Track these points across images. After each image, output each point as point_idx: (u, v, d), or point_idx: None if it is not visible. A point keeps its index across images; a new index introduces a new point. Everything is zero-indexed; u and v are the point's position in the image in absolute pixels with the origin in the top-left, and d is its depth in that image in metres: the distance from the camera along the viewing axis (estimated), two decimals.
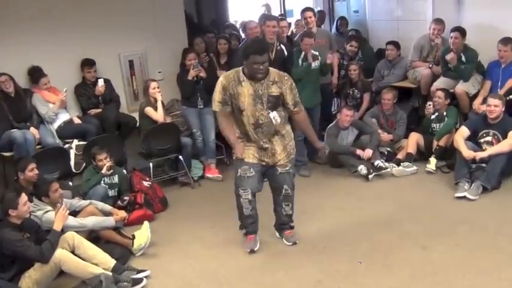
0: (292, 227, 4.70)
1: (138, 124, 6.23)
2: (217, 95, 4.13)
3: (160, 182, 6.08)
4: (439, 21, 6.83)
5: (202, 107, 6.40)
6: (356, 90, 7.07)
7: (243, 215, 4.52)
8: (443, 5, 7.13)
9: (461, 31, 6.40)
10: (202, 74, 6.30)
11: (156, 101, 6.10)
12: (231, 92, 4.07)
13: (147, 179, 5.79)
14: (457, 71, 6.41)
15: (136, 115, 6.30)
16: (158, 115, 6.05)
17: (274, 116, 4.16)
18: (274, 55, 5.92)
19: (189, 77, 6.26)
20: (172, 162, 6.43)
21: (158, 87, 6.10)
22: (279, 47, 6.05)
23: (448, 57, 6.40)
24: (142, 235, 4.74)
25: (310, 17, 6.80)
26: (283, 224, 4.68)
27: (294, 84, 4.22)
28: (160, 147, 6.03)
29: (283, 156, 4.32)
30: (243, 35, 7.80)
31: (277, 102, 4.15)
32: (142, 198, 5.50)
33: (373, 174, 5.95)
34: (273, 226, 4.77)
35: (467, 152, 5.47)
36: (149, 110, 6.04)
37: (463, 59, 6.41)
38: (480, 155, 5.46)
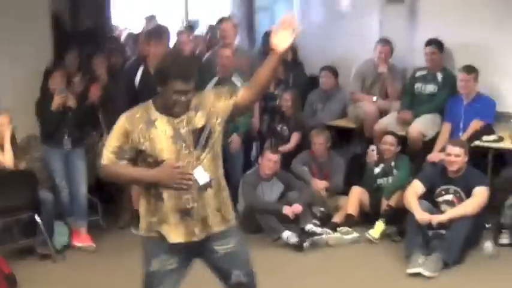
0: None
1: None
2: (112, 142, 3.62)
3: (7, 253, 5.84)
4: (385, 42, 7.12)
5: (69, 147, 6.29)
6: (285, 127, 7.16)
7: None
8: (392, 21, 7.45)
9: (438, 45, 6.73)
10: (71, 103, 6.19)
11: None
12: (138, 140, 3.58)
13: None
14: (422, 97, 6.78)
15: None
16: (6, 158, 5.84)
17: (199, 172, 3.60)
18: None
19: (53, 106, 6.12)
20: (25, 225, 6.22)
21: (9, 123, 5.92)
22: None
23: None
24: None
25: (229, 29, 6.92)
26: None
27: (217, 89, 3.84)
28: (7, 203, 5.84)
29: (217, 221, 3.69)
30: (128, 51, 7.77)
31: (207, 136, 3.65)
32: None
33: (308, 241, 5.97)
34: None
35: (421, 215, 5.60)
36: None
37: (440, 79, 6.73)
38: (438, 218, 5.62)
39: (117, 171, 3.63)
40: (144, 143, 3.56)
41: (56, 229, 6.18)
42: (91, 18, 9.69)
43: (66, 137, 6.24)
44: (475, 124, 6.36)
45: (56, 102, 6.10)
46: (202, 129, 3.61)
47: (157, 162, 3.57)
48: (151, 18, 9.61)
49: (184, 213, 3.60)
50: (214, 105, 3.64)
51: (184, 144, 3.58)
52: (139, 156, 3.61)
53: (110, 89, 6.62)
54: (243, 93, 3.65)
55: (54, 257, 6.02)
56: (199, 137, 3.60)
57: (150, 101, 3.67)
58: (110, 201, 7.10)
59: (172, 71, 3.51)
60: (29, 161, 6.32)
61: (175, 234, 3.62)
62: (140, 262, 5.80)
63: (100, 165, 3.65)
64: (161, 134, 3.57)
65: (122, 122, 3.61)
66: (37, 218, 5.95)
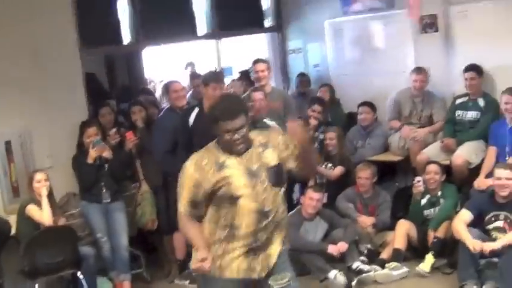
0: None
1: (15, 231, 6.02)
2: (185, 193, 3.75)
3: None
4: (419, 70, 7.16)
5: (108, 201, 6.34)
6: (330, 164, 7.12)
7: None
8: (427, 51, 7.47)
9: (477, 70, 6.72)
10: (106, 154, 6.27)
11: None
12: (211, 185, 3.69)
13: None
14: (464, 124, 6.77)
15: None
16: (44, 216, 5.87)
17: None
18: None
19: (89, 160, 6.22)
20: (68, 283, 6.23)
21: (46, 180, 6.00)
22: None
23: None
24: None
25: (262, 71, 6.99)
26: None
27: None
28: (49, 260, 5.83)
29: (275, 257, 3.82)
30: (164, 103, 7.88)
31: (283, 175, 3.84)
32: None
33: (356, 280, 5.90)
34: None
35: (472, 243, 5.47)
36: (31, 209, 5.86)
37: (482, 104, 6.71)
38: (490, 246, 5.48)
39: (185, 225, 3.82)
40: (217, 185, 3.67)
41: (99, 285, 6.17)
42: (125, 75, 10.01)
43: (104, 190, 6.30)
44: None
45: (92, 155, 6.19)
46: (275, 167, 3.77)
47: (233, 199, 3.70)
48: (190, 65, 9.90)
49: (251, 252, 3.74)
50: (282, 149, 3.82)
51: (258, 180, 3.71)
52: (213, 196, 3.71)
53: (146, 140, 6.68)
54: None
55: None
56: (274, 175, 3.75)
57: (212, 144, 3.79)
58: (153, 251, 7.09)
59: (217, 113, 3.67)
60: (68, 218, 6.36)
61: (236, 272, 3.74)
62: None
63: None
64: (234, 173, 3.69)
65: (190, 171, 3.71)
66: (79, 274, 5.96)
